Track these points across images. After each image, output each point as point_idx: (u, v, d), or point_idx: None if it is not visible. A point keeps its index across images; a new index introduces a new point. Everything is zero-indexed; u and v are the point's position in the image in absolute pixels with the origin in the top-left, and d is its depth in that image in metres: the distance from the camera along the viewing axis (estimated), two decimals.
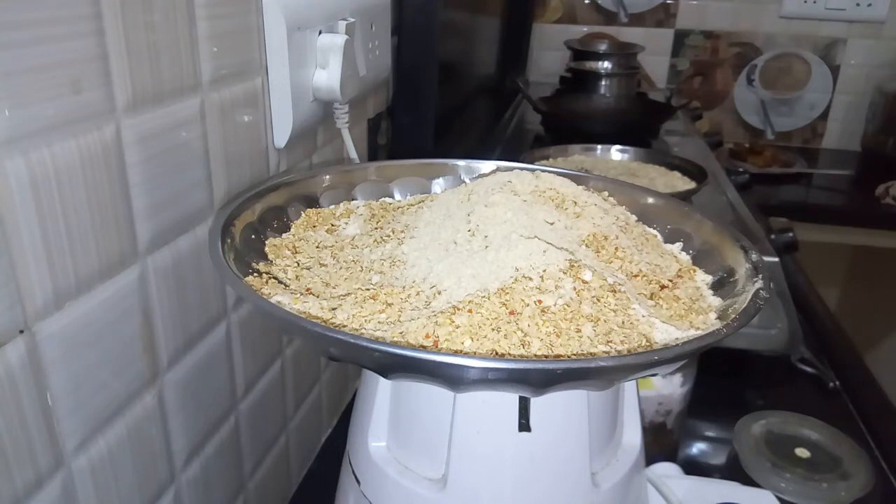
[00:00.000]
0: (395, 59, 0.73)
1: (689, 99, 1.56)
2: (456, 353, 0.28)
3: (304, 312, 0.31)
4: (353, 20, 0.55)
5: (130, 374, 0.38)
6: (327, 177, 0.45)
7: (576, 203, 0.39)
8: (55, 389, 0.33)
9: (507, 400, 0.32)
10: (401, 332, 0.29)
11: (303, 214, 0.42)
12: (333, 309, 0.32)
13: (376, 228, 0.41)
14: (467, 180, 0.46)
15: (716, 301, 0.36)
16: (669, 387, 0.59)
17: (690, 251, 0.40)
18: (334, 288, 0.35)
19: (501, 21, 1.41)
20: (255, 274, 0.35)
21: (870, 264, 1.56)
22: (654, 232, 0.42)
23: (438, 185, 0.47)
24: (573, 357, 0.28)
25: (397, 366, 0.28)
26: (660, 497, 0.46)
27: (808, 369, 0.77)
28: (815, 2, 1.65)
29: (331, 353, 0.29)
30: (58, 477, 0.34)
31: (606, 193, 0.43)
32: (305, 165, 0.57)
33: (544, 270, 0.32)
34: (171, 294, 0.41)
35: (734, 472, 0.61)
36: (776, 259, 0.76)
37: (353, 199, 0.45)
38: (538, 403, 0.32)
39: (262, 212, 0.39)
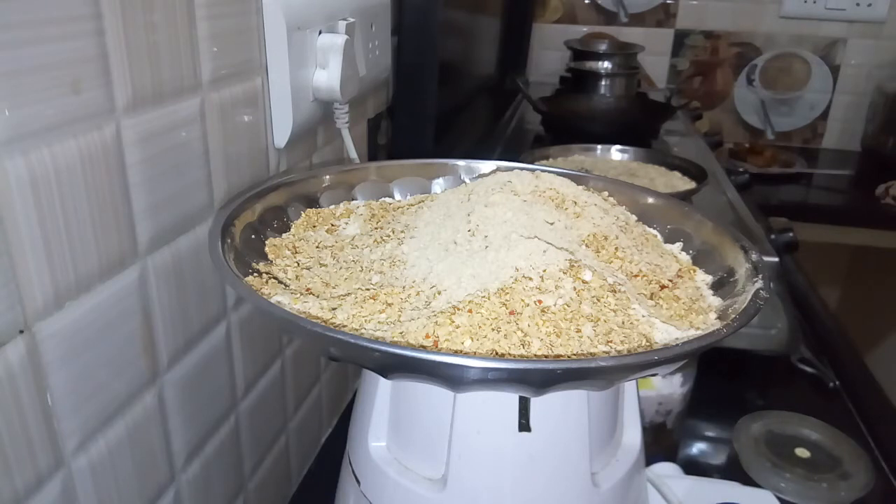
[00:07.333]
0: (395, 59, 0.73)
1: (689, 99, 1.56)
2: (456, 353, 0.28)
3: (304, 312, 0.31)
4: (353, 20, 0.55)
5: (130, 374, 0.38)
6: (327, 177, 0.45)
7: (576, 203, 0.39)
8: (55, 389, 0.33)
9: (507, 400, 0.32)
10: (401, 332, 0.29)
11: (303, 214, 0.42)
12: (333, 309, 0.32)
13: (376, 228, 0.41)
14: (467, 180, 0.46)
15: (716, 301, 0.36)
16: (669, 387, 0.59)
17: (690, 251, 0.40)
18: (334, 288, 0.35)
19: (501, 21, 1.41)
20: (255, 274, 0.35)
21: (870, 264, 1.56)
22: (654, 232, 0.42)
23: (438, 185, 0.47)
24: (573, 357, 0.28)
25: (397, 366, 0.28)
26: (660, 497, 0.46)
27: (808, 369, 0.77)
28: (815, 2, 1.65)
29: (331, 353, 0.29)
30: (58, 477, 0.34)
31: (606, 193, 0.43)
32: (305, 165, 0.57)
33: (544, 270, 0.32)
34: (171, 294, 0.41)
35: (734, 472, 0.61)
36: (776, 259, 0.76)
37: (353, 199, 0.45)
38: (538, 403, 0.32)
39: (262, 212, 0.39)
